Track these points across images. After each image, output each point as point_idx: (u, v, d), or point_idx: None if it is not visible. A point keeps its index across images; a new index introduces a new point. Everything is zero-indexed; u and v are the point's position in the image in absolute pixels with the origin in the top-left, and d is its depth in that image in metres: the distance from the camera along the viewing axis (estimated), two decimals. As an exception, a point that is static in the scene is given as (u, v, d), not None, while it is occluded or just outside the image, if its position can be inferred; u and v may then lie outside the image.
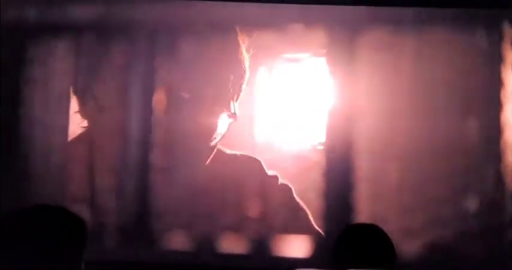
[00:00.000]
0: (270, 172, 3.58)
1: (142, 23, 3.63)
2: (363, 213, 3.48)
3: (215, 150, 3.63)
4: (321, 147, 3.55)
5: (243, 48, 3.61)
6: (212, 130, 3.61)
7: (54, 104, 3.63)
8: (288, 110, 3.59)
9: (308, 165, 3.54)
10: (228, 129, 3.62)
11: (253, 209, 3.57)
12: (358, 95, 3.55)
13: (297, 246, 3.53)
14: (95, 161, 3.62)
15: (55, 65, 3.64)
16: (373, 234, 2.22)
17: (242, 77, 3.62)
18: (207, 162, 3.61)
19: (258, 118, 3.59)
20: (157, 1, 3.62)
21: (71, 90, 3.65)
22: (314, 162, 3.54)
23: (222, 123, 3.62)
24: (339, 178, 3.52)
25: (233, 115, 3.63)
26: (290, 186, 3.57)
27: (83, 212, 3.45)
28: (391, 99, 3.53)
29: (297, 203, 3.54)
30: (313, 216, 3.52)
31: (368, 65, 3.54)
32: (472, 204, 3.48)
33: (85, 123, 3.65)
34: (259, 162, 3.58)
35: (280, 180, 3.56)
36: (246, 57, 3.62)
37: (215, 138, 3.61)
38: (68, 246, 1.83)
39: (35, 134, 3.62)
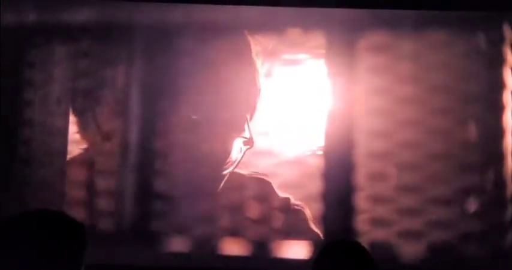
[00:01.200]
0: (281, 194, 3.54)
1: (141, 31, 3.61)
2: (364, 215, 3.47)
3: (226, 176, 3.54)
4: (320, 152, 3.54)
5: (256, 59, 3.56)
6: (225, 157, 3.53)
7: (54, 107, 3.62)
8: (287, 113, 3.58)
9: (308, 170, 3.53)
10: (243, 156, 3.53)
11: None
12: (357, 98, 3.54)
13: (297, 250, 3.53)
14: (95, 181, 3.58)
15: (55, 68, 3.63)
16: (352, 249, 2.20)
17: (257, 94, 3.57)
18: (218, 190, 3.54)
19: (256, 123, 3.58)
20: (158, 4, 3.60)
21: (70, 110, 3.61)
22: (314, 167, 3.53)
23: (237, 150, 3.53)
24: (338, 182, 3.52)
25: (249, 141, 3.52)
26: (303, 210, 3.52)
27: (83, 216, 3.45)
28: (391, 102, 3.53)
29: (311, 228, 3.50)
30: (313, 220, 3.51)
31: (367, 68, 3.54)
32: (473, 205, 3.47)
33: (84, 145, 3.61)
34: (270, 184, 3.55)
35: (293, 202, 3.54)
36: (259, 68, 3.57)
37: (228, 166, 3.53)
38: (68, 250, 1.82)
39: (35, 138, 3.61)
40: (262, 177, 3.55)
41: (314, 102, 3.58)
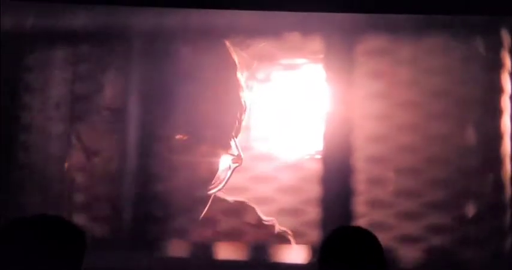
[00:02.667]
0: (266, 219, 3.51)
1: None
2: (362, 220, 3.47)
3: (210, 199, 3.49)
4: (319, 156, 3.54)
5: (240, 74, 3.52)
6: (211, 176, 3.50)
7: (54, 111, 3.62)
8: (286, 118, 3.58)
9: (306, 175, 3.53)
10: (231, 174, 3.49)
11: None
12: (355, 102, 3.54)
13: (296, 254, 3.53)
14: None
15: (54, 72, 3.63)
16: (361, 237, 2.17)
17: (242, 111, 3.54)
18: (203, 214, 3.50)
19: (254, 127, 3.58)
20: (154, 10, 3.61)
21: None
22: (312, 171, 3.53)
23: (224, 167, 3.50)
24: (337, 186, 3.52)
25: (238, 159, 3.47)
26: (288, 235, 3.50)
27: (81, 221, 3.44)
28: (389, 106, 3.53)
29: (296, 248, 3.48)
30: (311, 224, 3.51)
31: (366, 72, 3.54)
32: (471, 210, 3.47)
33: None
34: (253, 209, 3.53)
35: (277, 228, 3.51)
36: (242, 84, 3.54)
37: (216, 185, 3.50)
38: (67, 255, 1.82)
39: (34, 142, 3.61)
40: (246, 202, 3.53)
41: (312, 107, 3.58)
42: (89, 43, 3.63)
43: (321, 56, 3.57)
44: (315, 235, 3.49)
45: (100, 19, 3.64)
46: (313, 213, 3.51)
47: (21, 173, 3.59)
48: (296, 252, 3.53)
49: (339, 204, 3.51)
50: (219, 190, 3.51)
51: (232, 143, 3.49)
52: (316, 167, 3.54)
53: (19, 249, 1.78)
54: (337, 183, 3.52)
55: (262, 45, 3.57)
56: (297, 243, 3.53)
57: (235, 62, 3.56)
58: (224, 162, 3.50)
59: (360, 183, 3.51)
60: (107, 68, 3.60)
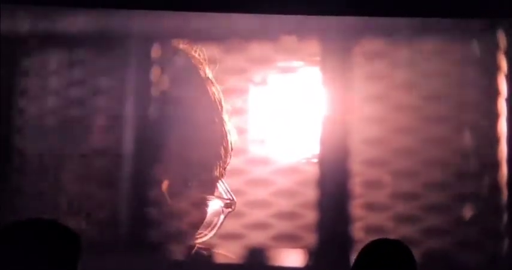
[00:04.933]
0: None
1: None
2: (359, 223, 3.47)
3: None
4: (316, 160, 3.53)
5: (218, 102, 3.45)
6: (198, 224, 3.43)
7: (49, 119, 3.61)
8: (282, 121, 3.58)
9: (303, 178, 3.53)
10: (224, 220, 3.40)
11: None
12: (352, 105, 3.54)
13: (292, 258, 3.52)
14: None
15: (51, 77, 3.62)
16: (396, 250, 2.19)
17: (227, 150, 3.48)
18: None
19: (250, 131, 3.57)
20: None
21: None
22: (309, 175, 3.52)
23: (215, 212, 3.42)
24: (334, 189, 3.51)
25: (231, 203, 3.37)
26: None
27: (77, 225, 3.43)
28: (386, 110, 3.53)
29: None
30: (308, 228, 3.51)
31: (363, 75, 3.54)
32: (468, 212, 3.47)
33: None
34: None
35: None
36: (224, 117, 3.47)
37: (205, 233, 3.42)
38: (62, 259, 1.82)
39: (30, 147, 3.60)
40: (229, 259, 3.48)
41: (309, 110, 3.58)
42: (85, 47, 3.62)
43: (318, 59, 3.57)
44: (312, 239, 3.49)
45: (96, 23, 3.63)
46: (310, 216, 3.51)
47: (16, 177, 3.59)
48: (293, 256, 3.52)
49: (335, 208, 3.51)
50: (209, 237, 3.43)
51: (219, 185, 3.41)
52: (313, 171, 3.53)
53: (14, 252, 1.78)
54: (334, 186, 3.52)
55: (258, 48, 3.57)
56: (293, 247, 3.52)
57: (208, 77, 3.51)
58: (215, 206, 3.43)
59: (357, 186, 3.50)
60: (103, 72, 3.59)
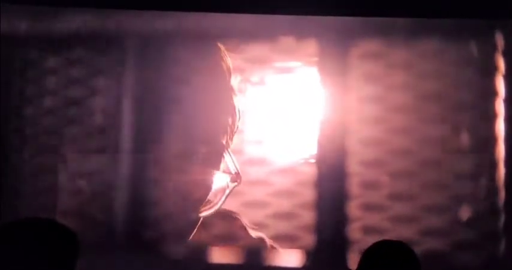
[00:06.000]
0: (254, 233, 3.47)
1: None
2: (357, 224, 3.47)
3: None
4: (313, 160, 3.53)
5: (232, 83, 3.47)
6: (203, 197, 3.42)
7: (47, 118, 3.61)
8: (280, 122, 3.58)
9: (300, 179, 3.53)
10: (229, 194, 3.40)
11: None
12: (349, 106, 3.54)
13: (290, 258, 3.53)
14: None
15: (48, 76, 3.62)
16: (399, 252, 2.19)
17: (235, 118, 3.49)
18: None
19: (248, 131, 3.57)
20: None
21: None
22: (306, 175, 3.52)
23: (220, 187, 3.41)
24: (331, 190, 3.51)
25: (236, 177, 3.36)
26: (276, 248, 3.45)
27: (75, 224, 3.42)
28: (383, 110, 3.53)
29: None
30: (306, 228, 3.51)
31: (360, 76, 3.54)
32: (466, 213, 3.47)
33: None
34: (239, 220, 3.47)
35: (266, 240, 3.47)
36: (235, 86, 3.49)
37: (210, 207, 3.41)
38: (60, 259, 1.81)
39: (27, 148, 3.60)
40: (231, 214, 3.49)
41: (306, 110, 3.58)
42: (83, 47, 3.62)
43: (315, 59, 3.57)
44: (310, 239, 3.49)
45: (94, 23, 3.63)
46: (308, 217, 3.51)
47: (14, 177, 3.59)
48: (290, 257, 3.52)
49: (333, 208, 3.51)
50: (214, 212, 3.44)
51: (227, 158, 3.41)
52: (310, 171, 3.53)
53: (11, 252, 1.78)
54: (331, 187, 3.52)
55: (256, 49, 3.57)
56: (291, 247, 3.52)
57: (228, 67, 3.54)
58: (220, 181, 3.43)
59: (354, 187, 3.51)
60: (101, 71, 3.59)
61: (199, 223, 3.47)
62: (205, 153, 3.41)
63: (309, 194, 3.52)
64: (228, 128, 3.49)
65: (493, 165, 3.51)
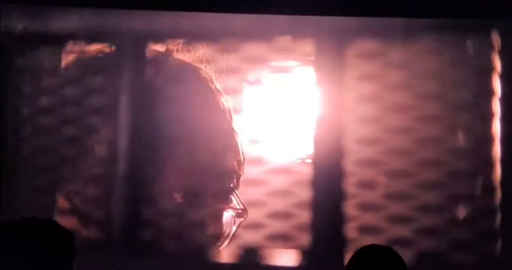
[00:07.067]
0: None
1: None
2: (353, 223, 3.47)
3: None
4: (310, 160, 3.53)
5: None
6: (219, 233, 3.43)
7: (43, 118, 3.60)
8: (276, 121, 3.57)
9: (297, 178, 3.52)
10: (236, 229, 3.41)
11: None
12: (346, 105, 3.54)
13: (286, 258, 3.52)
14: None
15: (44, 76, 3.61)
16: (387, 257, 2.20)
17: (239, 162, 3.48)
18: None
19: (245, 131, 3.56)
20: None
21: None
22: (303, 175, 3.52)
23: (227, 222, 3.42)
24: (328, 189, 3.51)
25: (242, 213, 3.38)
26: None
27: (72, 225, 3.42)
28: (380, 109, 3.53)
29: None
30: (302, 228, 3.50)
31: (357, 75, 3.54)
32: (462, 213, 3.48)
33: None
34: None
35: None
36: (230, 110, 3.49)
37: (220, 243, 3.42)
38: (57, 259, 1.81)
39: (24, 146, 3.59)
40: None
41: (303, 110, 3.57)
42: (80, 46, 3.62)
43: (312, 58, 3.57)
44: (306, 239, 3.49)
45: (91, 22, 3.62)
46: (304, 216, 3.51)
47: (11, 177, 3.58)
48: (287, 256, 3.52)
49: (329, 208, 3.50)
50: (225, 247, 3.44)
51: (232, 196, 3.42)
52: (306, 171, 3.53)
53: (7, 252, 1.77)
54: (328, 186, 3.52)
55: (252, 48, 3.56)
56: (287, 247, 3.52)
57: (216, 88, 3.51)
58: (227, 216, 3.44)
59: (351, 186, 3.50)
60: (98, 71, 3.59)
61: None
62: (214, 191, 3.41)
63: (305, 194, 3.51)
64: (234, 169, 3.46)
65: (490, 164, 3.51)
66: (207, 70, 3.51)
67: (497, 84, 3.55)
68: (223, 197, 3.43)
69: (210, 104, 3.49)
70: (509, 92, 3.54)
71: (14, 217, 1.88)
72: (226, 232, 3.44)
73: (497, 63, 3.55)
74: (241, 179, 3.50)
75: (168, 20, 3.61)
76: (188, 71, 3.51)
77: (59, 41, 3.61)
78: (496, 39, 3.57)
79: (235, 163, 3.47)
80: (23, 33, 3.61)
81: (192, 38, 3.57)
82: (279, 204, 3.52)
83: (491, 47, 3.56)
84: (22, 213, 2.19)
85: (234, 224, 3.45)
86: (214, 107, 3.49)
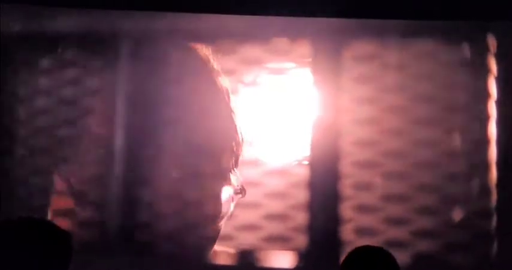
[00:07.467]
0: None
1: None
2: (350, 225, 3.47)
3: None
4: (306, 162, 3.53)
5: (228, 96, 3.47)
6: (218, 210, 3.43)
7: (40, 120, 3.60)
8: (273, 123, 3.57)
9: (294, 180, 3.53)
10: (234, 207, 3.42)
11: None
12: (343, 107, 3.54)
13: (283, 260, 3.52)
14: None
15: (41, 76, 3.61)
16: (380, 258, 2.21)
17: (238, 142, 3.49)
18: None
19: (242, 132, 3.56)
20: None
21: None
22: (300, 177, 3.52)
23: (226, 200, 3.44)
24: (324, 191, 3.52)
25: (241, 190, 3.41)
26: None
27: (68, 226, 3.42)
28: (377, 111, 3.53)
29: None
30: (299, 230, 3.50)
31: (353, 77, 3.55)
32: (458, 215, 3.48)
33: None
34: None
35: None
36: (234, 103, 3.49)
37: (219, 220, 3.43)
38: (54, 259, 1.81)
39: (18, 149, 3.59)
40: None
41: (300, 112, 3.58)
42: (77, 47, 3.61)
43: (309, 60, 3.57)
44: (303, 240, 3.49)
45: (88, 23, 3.62)
46: (301, 218, 3.51)
47: (6, 178, 3.57)
48: (283, 258, 3.52)
49: (326, 210, 3.51)
50: (223, 223, 3.46)
51: (231, 174, 3.44)
52: (303, 173, 3.53)
53: (4, 252, 1.77)
54: (324, 188, 3.52)
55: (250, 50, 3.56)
56: (284, 248, 3.52)
57: (226, 88, 3.53)
58: (225, 194, 3.45)
59: (348, 188, 3.51)
60: (95, 72, 3.58)
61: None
62: (213, 171, 3.42)
63: (302, 196, 3.52)
64: (233, 149, 3.48)
65: (486, 166, 3.52)
66: (204, 50, 3.52)
67: (493, 87, 3.55)
68: (221, 177, 3.44)
69: (208, 84, 3.50)
70: (505, 94, 3.55)
71: (10, 217, 1.88)
72: (224, 210, 3.44)
73: (493, 66, 3.56)
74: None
75: (165, 22, 3.61)
76: (185, 51, 3.51)
77: (55, 41, 3.61)
78: (491, 41, 3.58)
79: (233, 143, 3.48)
80: (21, 34, 3.61)
81: (190, 39, 3.57)
82: (276, 206, 3.52)
83: (487, 50, 3.57)
84: (19, 214, 2.19)
85: (233, 201, 3.46)
86: (211, 87, 3.50)
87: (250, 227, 3.52)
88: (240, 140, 3.48)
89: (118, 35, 3.59)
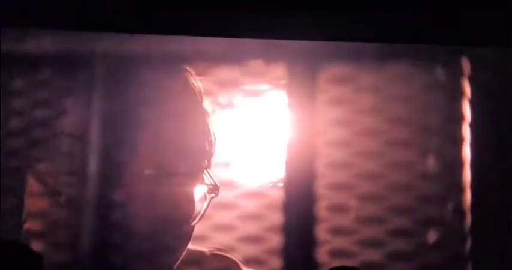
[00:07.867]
0: None
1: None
2: (325, 247, 3.47)
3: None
4: (281, 184, 3.53)
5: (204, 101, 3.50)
6: (191, 209, 3.41)
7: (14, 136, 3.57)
8: (248, 145, 3.57)
9: (268, 202, 3.52)
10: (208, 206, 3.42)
11: None
12: (318, 129, 3.55)
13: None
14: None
15: (13, 98, 3.59)
16: None
17: (210, 140, 3.50)
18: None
19: (216, 154, 3.56)
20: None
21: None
22: (274, 199, 3.52)
23: (199, 198, 3.42)
24: (299, 213, 3.51)
25: (214, 188, 3.41)
26: None
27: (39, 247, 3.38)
28: (351, 134, 3.54)
29: None
30: (273, 252, 3.49)
31: (328, 99, 3.56)
32: (432, 237, 3.49)
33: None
34: (236, 263, 3.49)
35: None
36: (208, 110, 3.51)
37: (192, 219, 3.42)
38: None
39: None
40: (227, 255, 3.51)
41: (275, 133, 3.58)
42: (51, 68, 3.60)
43: (284, 82, 3.58)
44: (277, 262, 3.48)
45: (63, 44, 3.61)
46: (275, 240, 3.50)
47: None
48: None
49: (301, 232, 3.50)
50: (197, 223, 3.44)
51: (204, 173, 3.43)
52: (278, 194, 3.53)
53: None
54: (299, 210, 3.52)
55: (225, 71, 3.57)
56: (259, 272, 3.51)
57: (199, 89, 3.54)
58: (199, 192, 3.44)
59: (322, 210, 3.51)
60: (69, 93, 3.57)
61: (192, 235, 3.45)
62: (185, 169, 3.40)
63: (276, 218, 3.51)
64: (206, 148, 3.47)
65: (460, 189, 3.54)
66: (184, 72, 3.53)
67: (467, 110, 3.58)
68: (194, 176, 3.42)
69: (180, 85, 3.50)
70: (479, 117, 3.58)
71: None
72: (198, 209, 3.41)
73: (467, 89, 3.59)
74: (212, 202, 3.49)
75: (140, 43, 3.61)
76: (161, 73, 3.52)
77: (30, 62, 3.59)
78: (465, 65, 3.61)
79: (206, 143, 3.47)
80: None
81: (164, 61, 3.57)
82: (250, 228, 3.51)
83: (462, 73, 3.61)
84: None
85: (206, 199, 3.44)
86: (184, 88, 3.49)
87: (225, 249, 3.50)
88: (213, 141, 3.48)
89: (93, 56, 3.58)
